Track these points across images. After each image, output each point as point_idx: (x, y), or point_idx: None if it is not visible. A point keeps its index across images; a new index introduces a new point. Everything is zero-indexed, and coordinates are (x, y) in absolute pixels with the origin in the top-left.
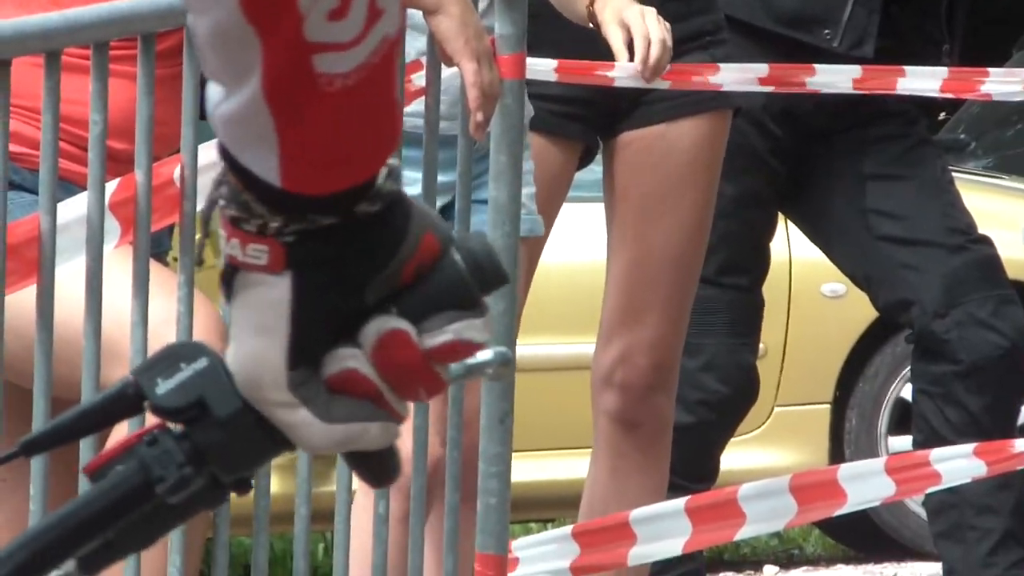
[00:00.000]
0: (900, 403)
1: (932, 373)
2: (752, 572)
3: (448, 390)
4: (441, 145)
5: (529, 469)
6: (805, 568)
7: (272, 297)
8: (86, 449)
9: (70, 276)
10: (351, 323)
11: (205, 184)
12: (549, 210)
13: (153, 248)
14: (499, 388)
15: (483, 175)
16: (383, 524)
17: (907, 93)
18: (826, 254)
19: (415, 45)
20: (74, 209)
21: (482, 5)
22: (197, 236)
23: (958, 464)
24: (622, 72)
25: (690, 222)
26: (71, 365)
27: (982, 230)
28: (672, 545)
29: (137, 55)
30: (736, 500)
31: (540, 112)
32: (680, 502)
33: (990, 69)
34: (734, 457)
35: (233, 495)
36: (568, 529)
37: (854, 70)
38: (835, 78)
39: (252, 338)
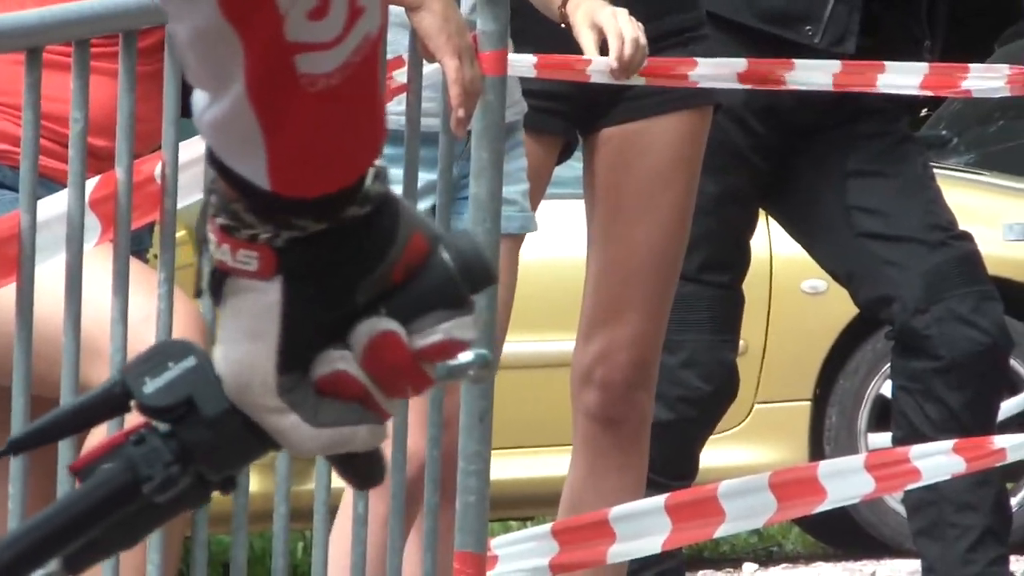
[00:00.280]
0: (880, 400)
1: (912, 369)
2: (731, 570)
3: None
4: (426, 143)
5: (508, 467)
6: (784, 565)
7: (262, 303)
8: (65, 448)
9: (50, 274)
10: (340, 325)
11: (186, 181)
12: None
13: (133, 246)
14: (478, 386)
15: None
16: (361, 525)
17: (887, 91)
18: (807, 251)
19: (397, 41)
20: (54, 206)
21: (467, 5)
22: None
23: (938, 461)
24: (599, 69)
25: (671, 219)
26: (50, 362)
27: (963, 226)
28: (651, 543)
29: (119, 52)
30: (716, 497)
31: None
32: (660, 499)
33: (971, 65)
34: (714, 454)
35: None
36: (547, 527)
37: (834, 65)
38: (814, 74)
39: (241, 343)
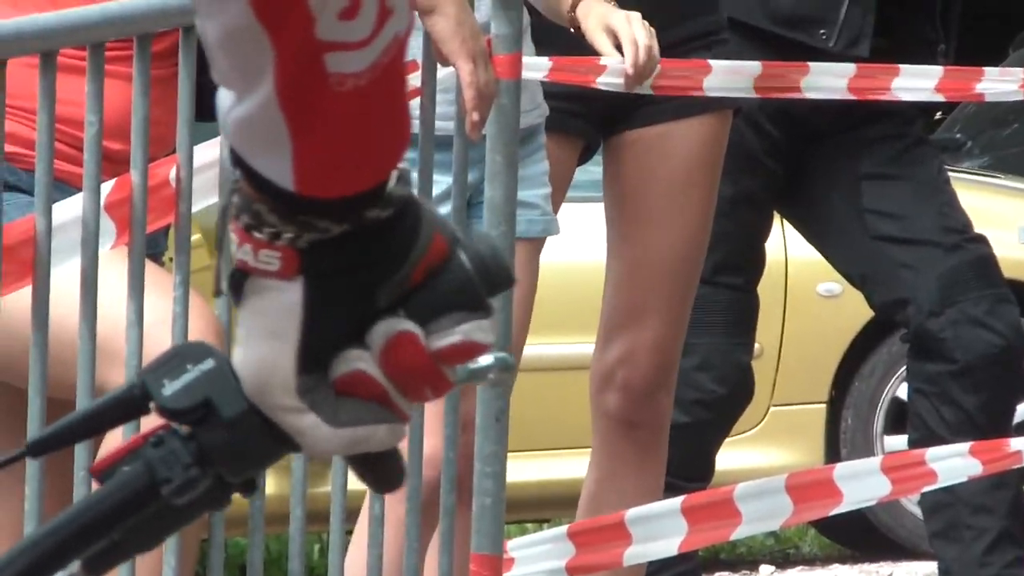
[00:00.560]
0: (896, 402)
1: (928, 372)
2: (748, 572)
3: None
4: (441, 147)
5: (525, 469)
6: (801, 567)
7: (283, 303)
8: (81, 449)
9: (66, 277)
10: (360, 325)
11: (201, 185)
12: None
13: (149, 249)
14: (495, 387)
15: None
16: (378, 525)
17: (901, 96)
18: (822, 253)
19: (410, 45)
20: (70, 210)
21: (483, 11)
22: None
23: (954, 463)
24: (610, 75)
25: (693, 222)
26: (66, 366)
27: (978, 229)
28: (668, 545)
29: (133, 56)
30: (732, 500)
31: None
32: (676, 502)
33: (986, 68)
34: (730, 457)
35: None
36: (564, 529)
37: (848, 68)
38: (829, 77)
39: (262, 343)
